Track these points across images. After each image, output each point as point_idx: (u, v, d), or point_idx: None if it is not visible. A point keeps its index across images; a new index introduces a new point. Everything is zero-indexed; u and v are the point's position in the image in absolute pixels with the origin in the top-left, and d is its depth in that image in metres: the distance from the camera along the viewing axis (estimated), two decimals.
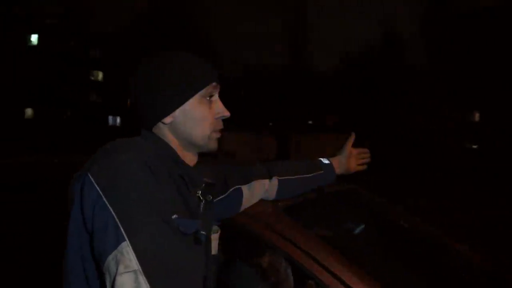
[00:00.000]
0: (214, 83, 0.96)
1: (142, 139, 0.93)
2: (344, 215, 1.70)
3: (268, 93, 28.86)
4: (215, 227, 1.02)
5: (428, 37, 26.53)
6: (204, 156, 1.03)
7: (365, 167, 1.57)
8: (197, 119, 0.94)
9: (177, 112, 0.92)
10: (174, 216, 0.82)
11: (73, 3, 31.57)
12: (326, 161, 1.47)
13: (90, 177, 0.80)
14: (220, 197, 1.14)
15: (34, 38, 31.16)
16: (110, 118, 35.14)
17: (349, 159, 1.51)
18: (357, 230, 1.65)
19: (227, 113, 0.99)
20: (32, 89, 28.76)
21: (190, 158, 0.98)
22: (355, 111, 23.13)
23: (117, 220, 0.75)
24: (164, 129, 0.94)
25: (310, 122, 28.49)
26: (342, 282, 1.14)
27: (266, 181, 1.30)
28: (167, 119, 0.93)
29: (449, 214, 7.13)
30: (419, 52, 27.24)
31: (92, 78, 34.94)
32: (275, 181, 1.31)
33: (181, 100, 0.92)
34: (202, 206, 0.96)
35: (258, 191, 1.27)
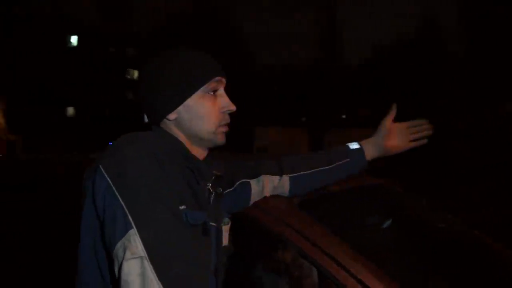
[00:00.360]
0: (217, 78, 0.97)
1: (152, 133, 0.96)
2: (365, 211, 1.58)
3: (301, 88, 28.65)
4: (226, 219, 1.04)
5: (466, 26, 25.30)
6: (213, 150, 1.04)
7: (422, 142, 1.32)
8: (200, 114, 0.95)
9: (181, 108, 0.95)
10: (182, 207, 0.85)
11: (110, 4, 32.60)
12: (355, 145, 1.29)
13: (102, 169, 0.84)
14: (228, 190, 1.15)
15: (74, 39, 32.39)
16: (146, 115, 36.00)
17: (389, 136, 1.29)
18: (385, 225, 1.55)
19: (232, 107, 0.99)
20: (73, 88, 29.94)
21: (199, 152, 1.00)
22: (389, 103, 22.46)
23: (125, 209, 0.78)
24: (171, 125, 0.98)
25: (343, 116, 28.07)
26: (359, 281, 1.07)
27: (276, 177, 1.23)
28: (171, 116, 0.96)
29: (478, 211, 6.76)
30: (455, 42, 26.09)
31: (128, 76, 35.93)
32: (285, 178, 1.24)
33: (180, 99, 0.95)
34: (212, 198, 0.99)
35: (267, 186, 1.21)
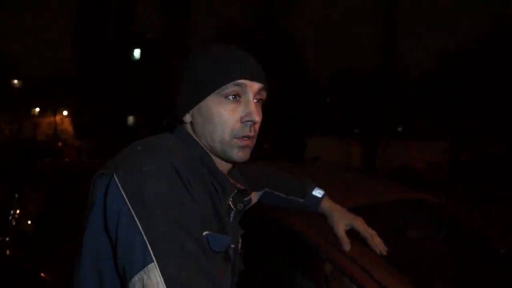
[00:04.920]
0: (239, 81, 0.83)
1: (174, 139, 0.86)
2: (406, 225, 1.54)
3: (356, 99, 28.04)
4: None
5: None
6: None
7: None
8: (213, 121, 0.84)
9: (195, 110, 0.86)
10: (205, 233, 0.76)
11: (170, 20, 34.19)
12: (318, 193, 1.21)
13: (117, 182, 0.73)
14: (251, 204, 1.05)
15: (136, 52, 34.32)
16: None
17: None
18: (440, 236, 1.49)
19: (255, 117, 0.84)
20: (134, 99, 31.63)
21: (222, 164, 0.88)
22: (451, 115, 21.16)
23: (145, 238, 0.69)
24: (189, 130, 0.89)
25: (399, 129, 27.06)
26: None
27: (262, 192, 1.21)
28: (187, 118, 0.87)
29: None
30: None
31: None
32: (262, 192, 1.21)
33: (194, 100, 0.85)
34: (232, 215, 0.88)
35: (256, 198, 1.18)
